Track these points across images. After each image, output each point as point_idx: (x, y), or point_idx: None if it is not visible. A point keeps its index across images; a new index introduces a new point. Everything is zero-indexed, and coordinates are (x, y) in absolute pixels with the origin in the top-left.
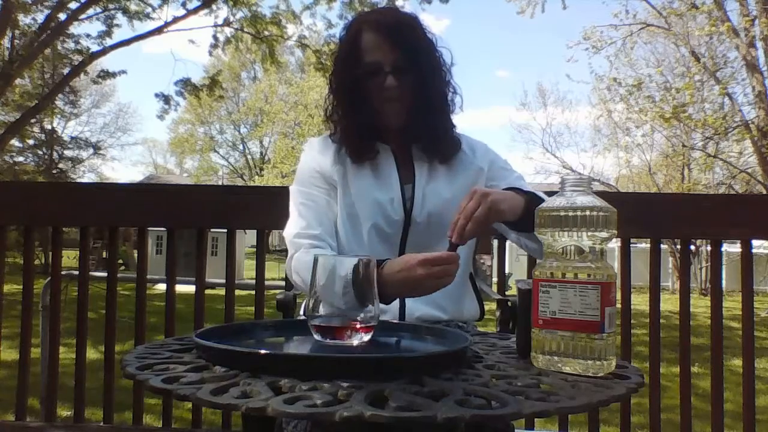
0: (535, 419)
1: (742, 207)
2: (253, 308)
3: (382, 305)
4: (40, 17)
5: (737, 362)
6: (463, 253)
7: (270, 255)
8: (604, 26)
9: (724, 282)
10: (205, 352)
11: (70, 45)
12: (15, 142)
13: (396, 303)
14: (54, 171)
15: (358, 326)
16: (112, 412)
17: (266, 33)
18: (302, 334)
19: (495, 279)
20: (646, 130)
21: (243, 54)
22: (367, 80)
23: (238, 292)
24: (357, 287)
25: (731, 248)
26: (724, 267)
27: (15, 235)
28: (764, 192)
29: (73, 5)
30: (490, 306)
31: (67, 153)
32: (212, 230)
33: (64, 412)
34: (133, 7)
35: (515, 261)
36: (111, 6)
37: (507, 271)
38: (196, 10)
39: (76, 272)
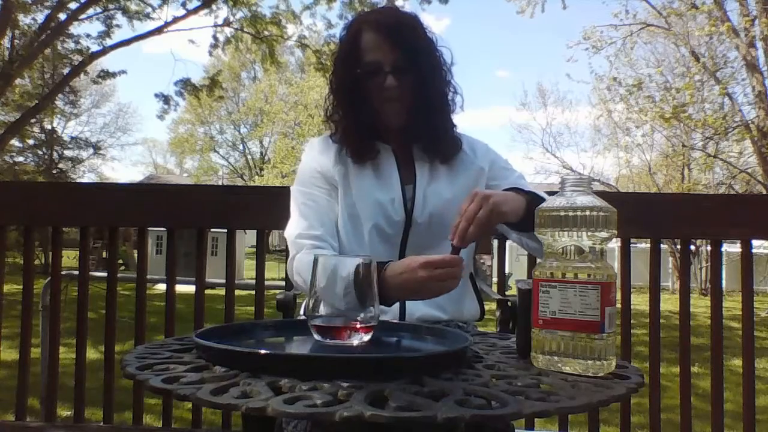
0: (535, 419)
1: (742, 207)
2: (253, 308)
3: (382, 306)
4: (40, 17)
5: (737, 362)
6: (464, 254)
7: (270, 255)
8: (604, 26)
9: (724, 282)
10: (205, 352)
11: (70, 45)
12: (15, 142)
13: (396, 303)
14: (54, 171)
15: (358, 326)
16: (112, 412)
17: (266, 33)
18: (302, 334)
19: (495, 279)
20: (646, 130)
21: (243, 54)
22: (367, 80)
23: (238, 292)
24: (358, 288)
25: (731, 248)
26: (724, 267)
27: (15, 235)
28: (764, 192)
29: (73, 5)
30: (490, 306)
31: (67, 153)
32: (212, 230)
33: (64, 412)
34: (133, 7)
35: (515, 261)
36: (111, 6)
37: (507, 271)
38: (196, 10)
39: (76, 272)
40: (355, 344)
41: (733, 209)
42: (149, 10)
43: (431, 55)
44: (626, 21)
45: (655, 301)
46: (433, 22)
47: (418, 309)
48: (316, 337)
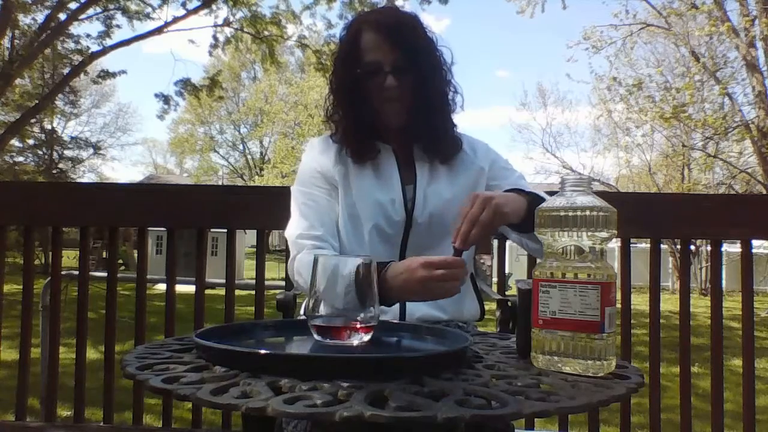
0: (535, 419)
1: (742, 207)
2: (253, 308)
3: (382, 306)
4: (40, 17)
5: (737, 362)
6: (465, 254)
7: (270, 255)
8: (604, 26)
9: (724, 282)
10: (205, 352)
11: (70, 45)
12: (15, 142)
13: (396, 303)
14: (54, 171)
15: (358, 326)
16: (112, 412)
17: (266, 33)
18: (302, 334)
19: (495, 279)
20: (646, 130)
21: (243, 54)
22: (367, 80)
23: (238, 292)
24: (358, 288)
25: (731, 248)
26: (724, 267)
27: (15, 235)
28: (764, 192)
29: (73, 5)
30: (490, 306)
31: (67, 153)
32: (212, 230)
33: (64, 412)
34: (133, 7)
35: (515, 261)
36: (111, 6)
37: (507, 271)
38: (196, 10)
39: (76, 272)
40: (355, 344)
41: (733, 209)
42: (149, 10)
43: (431, 54)
44: (626, 21)
45: (655, 301)
46: (433, 22)
47: (418, 309)
48: (316, 337)
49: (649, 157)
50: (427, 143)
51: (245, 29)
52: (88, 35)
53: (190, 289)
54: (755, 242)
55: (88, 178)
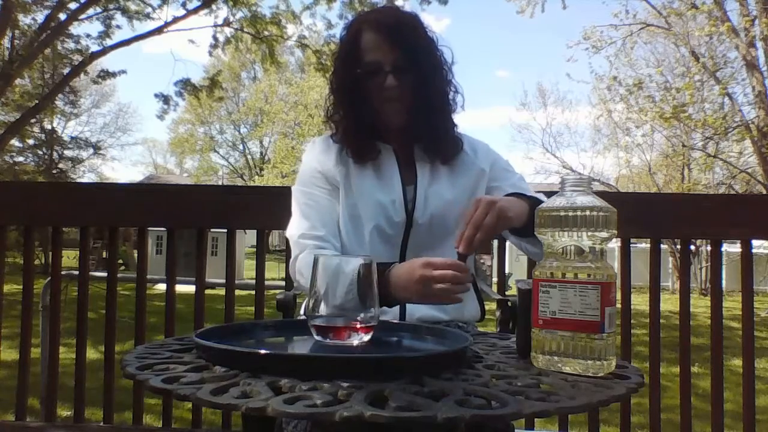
0: (535, 419)
1: (742, 207)
2: (253, 308)
3: (384, 307)
4: (40, 17)
5: (737, 362)
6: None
7: (270, 255)
8: (604, 26)
9: (724, 282)
10: (205, 352)
11: (70, 45)
12: (15, 142)
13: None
14: (54, 171)
15: (358, 326)
16: (112, 412)
17: (266, 33)
18: (302, 334)
19: (495, 279)
20: (646, 130)
21: (243, 54)
22: (368, 80)
23: (238, 292)
24: (360, 288)
25: (731, 248)
26: (724, 267)
27: (15, 235)
28: (764, 192)
29: (73, 5)
30: (490, 306)
31: (67, 153)
32: (212, 230)
33: (64, 412)
34: (132, 7)
35: (515, 261)
36: (111, 6)
37: (507, 271)
38: (196, 10)
39: (76, 272)
40: (355, 344)
41: (733, 209)
42: (149, 10)
43: (431, 54)
44: (626, 21)
45: (655, 301)
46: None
47: (418, 309)
48: (316, 337)
49: (649, 157)
50: (428, 143)
51: (245, 29)
52: (88, 35)
53: (190, 289)
54: (755, 242)
55: (88, 178)
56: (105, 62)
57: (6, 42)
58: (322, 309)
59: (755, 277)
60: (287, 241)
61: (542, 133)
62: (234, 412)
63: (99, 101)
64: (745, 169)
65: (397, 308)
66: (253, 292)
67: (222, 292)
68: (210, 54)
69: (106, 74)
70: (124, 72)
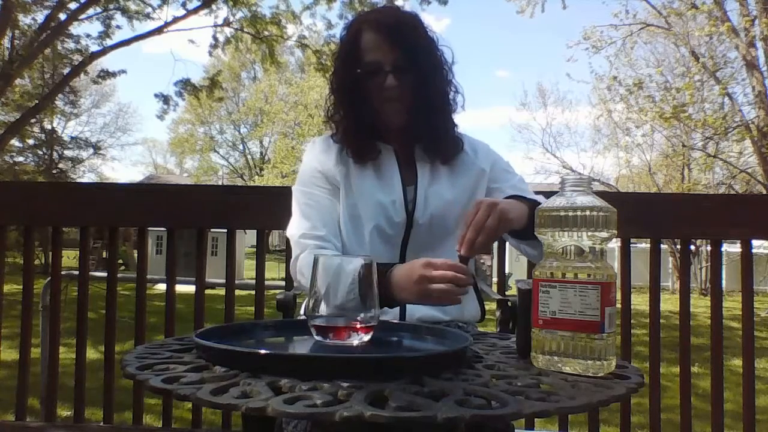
0: (535, 419)
1: (742, 207)
2: (253, 308)
3: (385, 307)
4: (40, 17)
5: (737, 362)
6: None
7: (270, 255)
8: (604, 26)
9: (724, 282)
10: (205, 352)
11: (70, 45)
12: (15, 142)
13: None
14: (54, 171)
15: (358, 326)
16: (112, 412)
17: (266, 33)
18: (302, 334)
19: (495, 279)
20: (646, 130)
21: (243, 54)
22: (368, 80)
23: (238, 292)
24: (361, 288)
25: (731, 248)
26: (724, 267)
27: (15, 235)
28: (764, 192)
29: (73, 5)
30: (490, 306)
31: (67, 153)
32: (212, 230)
33: (64, 412)
34: (132, 7)
35: (515, 261)
36: (111, 6)
37: (507, 271)
38: (196, 10)
39: (76, 272)
40: (355, 344)
41: (733, 209)
42: (149, 10)
43: (432, 54)
44: (626, 21)
45: (655, 301)
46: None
47: (418, 309)
48: (316, 337)
49: (649, 157)
50: (428, 143)
51: (245, 29)
52: (88, 35)
53: (190, 289)
54: (755, 242)
55: (88, 178)
56: (105, 62)
57: (6, 42)
58: (323, 309)
59: (755, 277)
60: (287, 241)
61: (542, 133)
62: (234, 412)
63: (99, 101)
64: (745, 169)
65: (397, 308)
66: (253, 292)
67: (222, 292)
68: (210, 54)
69: (106, 74)
70: (124, 72)
